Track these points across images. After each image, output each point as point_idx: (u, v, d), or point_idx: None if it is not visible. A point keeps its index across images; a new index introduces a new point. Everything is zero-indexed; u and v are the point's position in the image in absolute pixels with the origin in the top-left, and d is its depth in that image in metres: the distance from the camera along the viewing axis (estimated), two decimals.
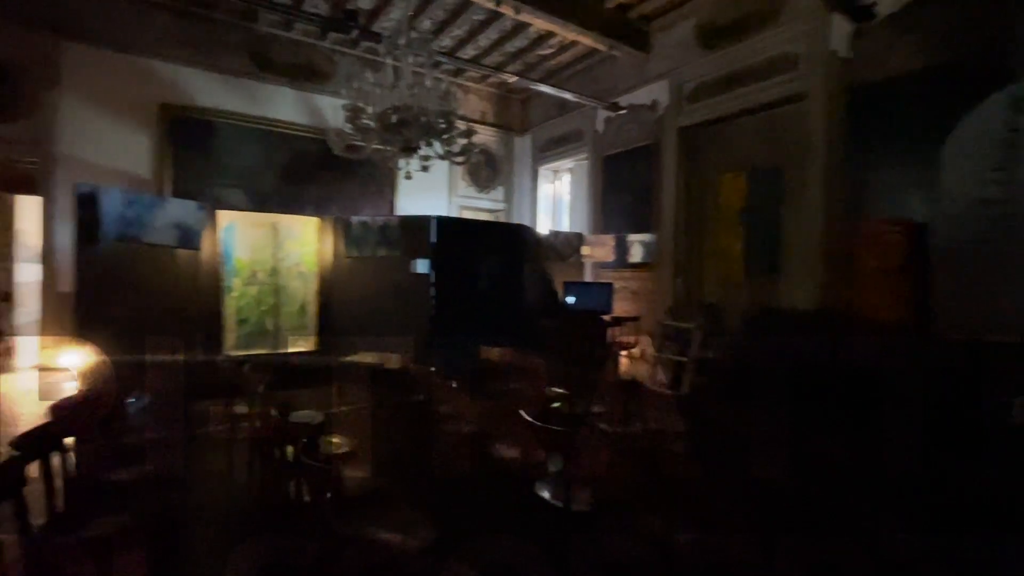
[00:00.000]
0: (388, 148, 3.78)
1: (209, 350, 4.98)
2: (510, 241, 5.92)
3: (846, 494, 2.81)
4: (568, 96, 8.47)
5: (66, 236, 5.49)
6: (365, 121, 3.46)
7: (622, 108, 8.04)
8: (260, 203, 7.49)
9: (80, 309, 3.55)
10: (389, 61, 3.63)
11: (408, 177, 3.89)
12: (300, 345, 5.52)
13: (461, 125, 3.79)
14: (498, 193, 10.47)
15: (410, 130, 3.43)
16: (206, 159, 7.44)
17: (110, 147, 6.81)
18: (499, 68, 8.65)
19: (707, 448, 3.02)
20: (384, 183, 9.01)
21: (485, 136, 10.25)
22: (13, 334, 6.88)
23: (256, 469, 2.47)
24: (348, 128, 3.57)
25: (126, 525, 1.83)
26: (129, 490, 2.11)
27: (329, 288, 5.63)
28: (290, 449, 2.51)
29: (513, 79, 8.30)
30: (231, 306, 5.09)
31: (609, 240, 7.41)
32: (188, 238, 4.42)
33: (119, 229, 3.79)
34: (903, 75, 4.74)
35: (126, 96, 6.88)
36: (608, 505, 2.20)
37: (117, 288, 3.86)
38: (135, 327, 4.12)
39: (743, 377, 4.13)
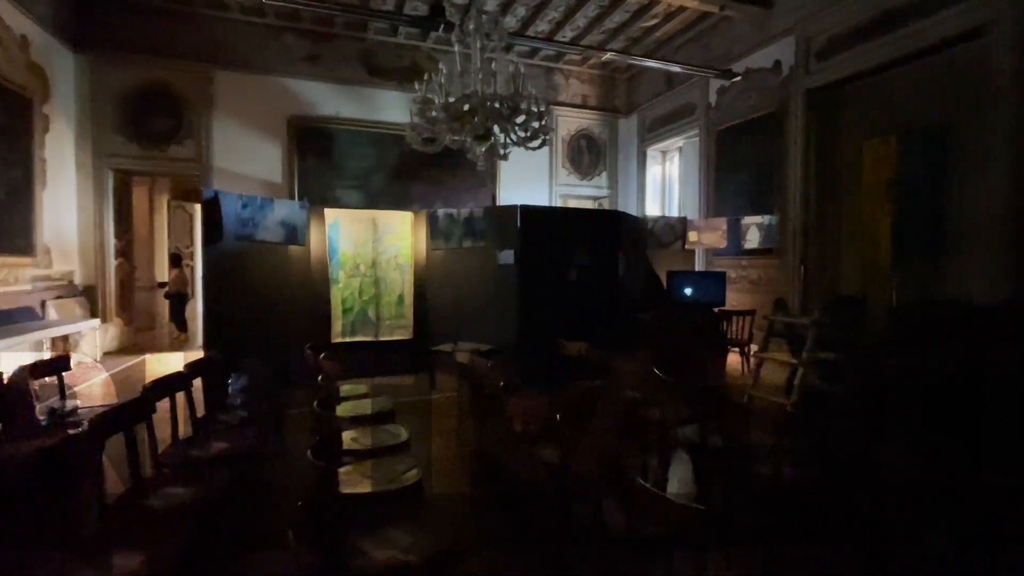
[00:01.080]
0: (460, 138, 3.74)
1: (318, 337, 5.47)
2: (604, 229, 5.57)
3: None
4: (675, 68, 7.76)
5: None
6: (434, 113, 3.45)
7: (736, 75, 7.12)
8: (373, 201, 8.09)
9: (207, 301, 4.10)
10: (458, 48, 3.57)
11: (480, 167, 3.82)
12: (399, 334, 5.81)
13: (537, 108, 3.59)
14: (601, 180, 10.04)
15: (479, 117, 3.34)
16: (327, 163, 8.20)
17: (250, 158, 7.82)
18: (600, 47, 8.19)
19: (810, 476, 2.46)
20: (486, 176, 9.15)
21: (587, 120, 9.87)
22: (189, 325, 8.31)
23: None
24: (419, 120, 3.60)
25: (195, 498, 2.01)
26: (211, 464, 2.33)
27: (423, 279, 5.83)
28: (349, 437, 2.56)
29: (614, 56, 7.80)
30: (336, 297, 5.51)
31: (720, 224, 6.64)
32: (294, 235, 4.87)
33: (236, 229, 4.30)
34: None
35: (262, 112, 7.83)
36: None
37: (236, 282, 4.40)
38: (253, 317, 4.65)
39: (881, 388, 3.35)
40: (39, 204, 6.33)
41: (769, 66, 6.74)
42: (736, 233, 6.71)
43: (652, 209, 9.50)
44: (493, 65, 3.41)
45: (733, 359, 6.00)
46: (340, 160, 8.28)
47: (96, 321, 6.69)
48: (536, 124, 3.57)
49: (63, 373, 3.04)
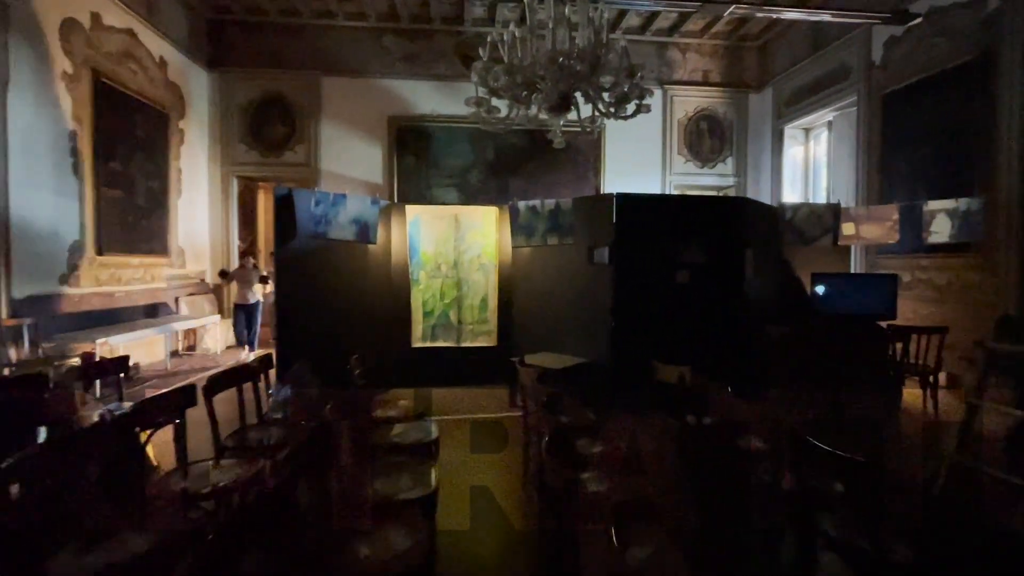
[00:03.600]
0: (533, 111, 3.08)
1: (398, 342, 5.18)
2: (725, 220, 4.49)
3: None
4: (826, 18, 6.24)
5: None
6: (494, 83, 2.82)
7: (915, 16, 5.45)
8: (470, 199, 7.78)
9: (279, 302, 3.98)
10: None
11: (558, 144, 3.11)
12: (482, 340, 5.32)
13: (626, 62, 2.76)
14: (727, 166, 8.64)
15: (549, 77, 2.63)
16: (424, 162, 8.08)
17: (354, 160, 7.97)
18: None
19: None
20: (588, 168, 8.37)
21: (709, 99, 8.56)
22: None
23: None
24: (483, 93, 3.00)
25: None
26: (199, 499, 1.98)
27: (508, 281, 5.26)
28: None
29: (745, 9, 6.52)
30: (417, 299, 5.18)
31: (889, 212, 5.07)
32: (366, 233, 4.59)
33: (310, 227, 4.12)
34: None
35: (364, 114, 7.93)
36: None
37: (310, 282, 4.23)
38: (327, 319, 4.46)
39: None
40: (174, 210, 6.99)
41: (965, 0, 5.03)
42: (916, 223, 5.08)
43: (791, 198, 7.90)
44: (567, 10, 2.67)
45: (909, 394, 4.50)
46: (437, 158, 8.10)
47: (216, 317, 7.24)
48: (626, 86, 2.75)
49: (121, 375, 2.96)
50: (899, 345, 4.49)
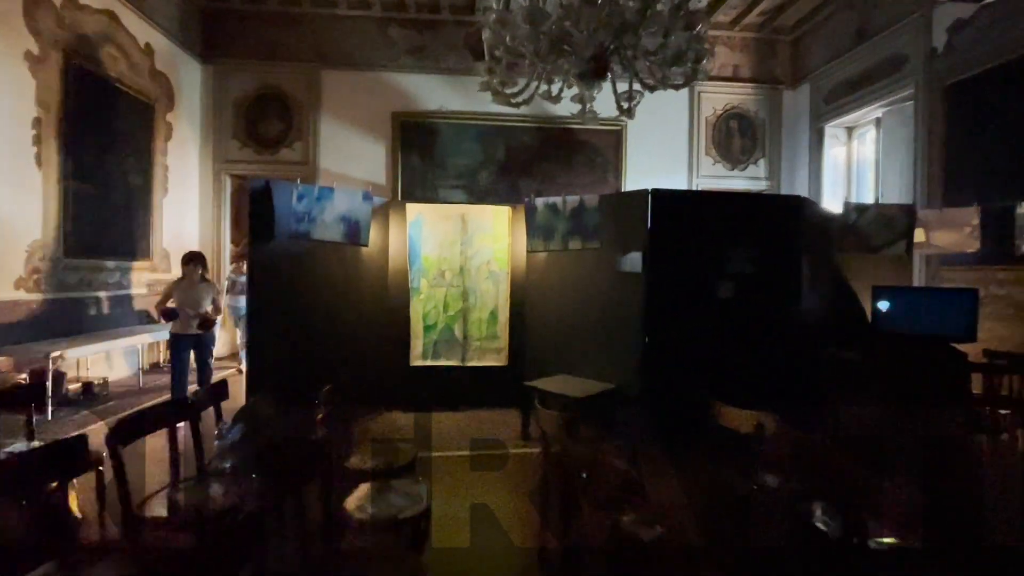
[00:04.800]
0: (561, 81, 2.45)
1: (394, 360, 4.54)
2: (779, 222, 3.80)
3: None
4: None
5: None
6: (511, 39, 2.18)
7: None
8: (479, 201, 7.16)
9: (251, 312, 3.36)
10: None
11: (589, 116, 2.47)
12: (490, 359, 4.65)
13: (683, 6, 2.12)
14: (758, 168, 7.96)
15: (583, 25, 2.00)
16: (431, 161, 7.49)
17: (355, 158, 7.40)
18: None
19: None
20: (608, 170, 7.73)
21: (739, 96, 7.91)
22: None
23: None
24: (499, 52, 2.37)
25: None
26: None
27: (521, 291, 4.61)
28: None
29: None
30: (417, 310, 4.54)
31: (968, 216, 4.34)
32: (356, 233, 3.94)
33: (291, 226, 3.51)
34: None
35: (366, 110, 7.37)
36: None
37: (289, 290, 3.61)
38: (310, 333, 3.83)
39: None
40: (159, 209, 6.45)
41: None
42: (1001, 228, 4.35)
43: (831, 203, 7.19)
44: None
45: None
46: (444, 157, 7.51)
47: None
48: (683, 41, 2.11)
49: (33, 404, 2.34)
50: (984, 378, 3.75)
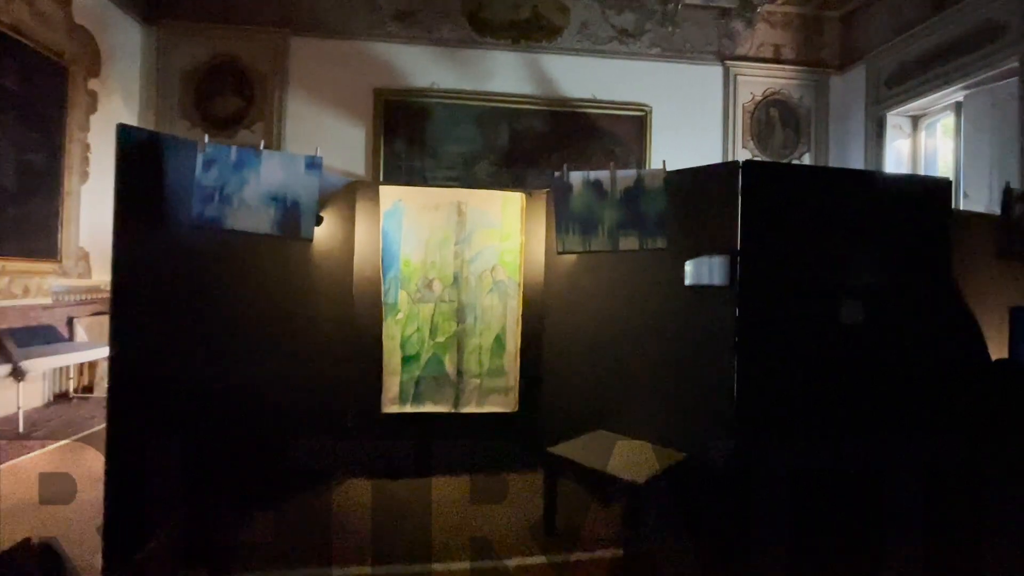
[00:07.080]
0: None
1: (359, 404, 3.25)
2: (921, 215, 2.61)
3: None
4: None
5: None
6: None
7: None
8: None
9: (113, 343, 2.06)
10: None
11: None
12: (493, 403, 3.37)
13: None
14: (803, 163, 6.83)
15: None
16: (420, 149, 6.26)
17: (329, 143, 6.07)
18: None
19: None
20: (631, 161, 6.57)
21: (781, 80, 6.80)
22: None
23: None
24: None
25: None
26: None
27: (539, 309, 3.36)
28: None
29: None
30: (393, 335, 3.26)
31: None
32: (295, 220, 2.63)
33: (195, 208, 2.20)
34: None
35: (343, 86, 6.14)
36: None
37: (188, 317, 2.27)
38: (220, 374, 2.53)
39: None
40: (74, 198, 5.12)
41: None
42: None
43: None
44: None
45: None
46: (436, 143, 6.29)
47: None
48: None
49: None
50: None
